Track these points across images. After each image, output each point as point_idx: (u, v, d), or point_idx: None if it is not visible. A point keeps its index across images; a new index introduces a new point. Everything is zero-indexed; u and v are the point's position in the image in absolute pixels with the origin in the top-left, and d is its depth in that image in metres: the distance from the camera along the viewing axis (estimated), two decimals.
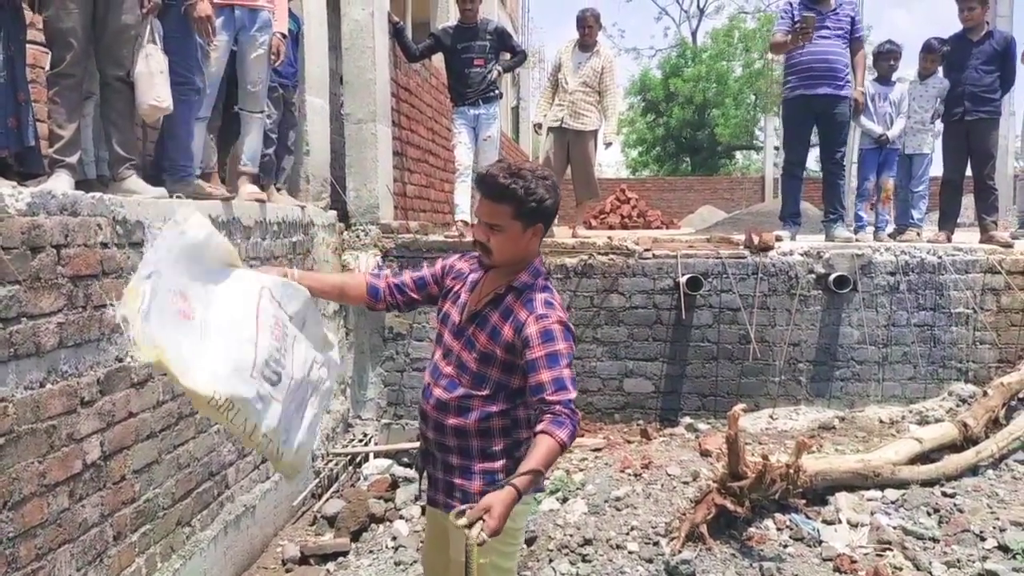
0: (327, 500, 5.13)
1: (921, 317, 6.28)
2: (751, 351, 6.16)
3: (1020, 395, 5.65)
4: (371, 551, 4.47)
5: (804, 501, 4.46)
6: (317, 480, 5.36)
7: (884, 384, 6.30)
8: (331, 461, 5.63)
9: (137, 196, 3.52)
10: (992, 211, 7.09)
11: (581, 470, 5.05)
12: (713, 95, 30.91)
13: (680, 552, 4.01)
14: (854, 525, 4.33)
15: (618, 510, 4.46)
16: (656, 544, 4.13)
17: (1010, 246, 6.54)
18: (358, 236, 6.39)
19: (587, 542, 4.18)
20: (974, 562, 3.93)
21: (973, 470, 4.93)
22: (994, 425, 5.30)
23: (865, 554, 4.07)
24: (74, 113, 3.60)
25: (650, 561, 3.99)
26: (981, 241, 6.84)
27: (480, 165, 7.11)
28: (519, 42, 8.35)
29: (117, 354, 3.09)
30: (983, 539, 4.12)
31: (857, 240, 6.88)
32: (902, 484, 4.69)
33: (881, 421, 5.87)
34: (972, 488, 4.71)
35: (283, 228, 4.93)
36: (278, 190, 5.44)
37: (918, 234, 7.39)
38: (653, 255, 6.31)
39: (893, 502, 4.54)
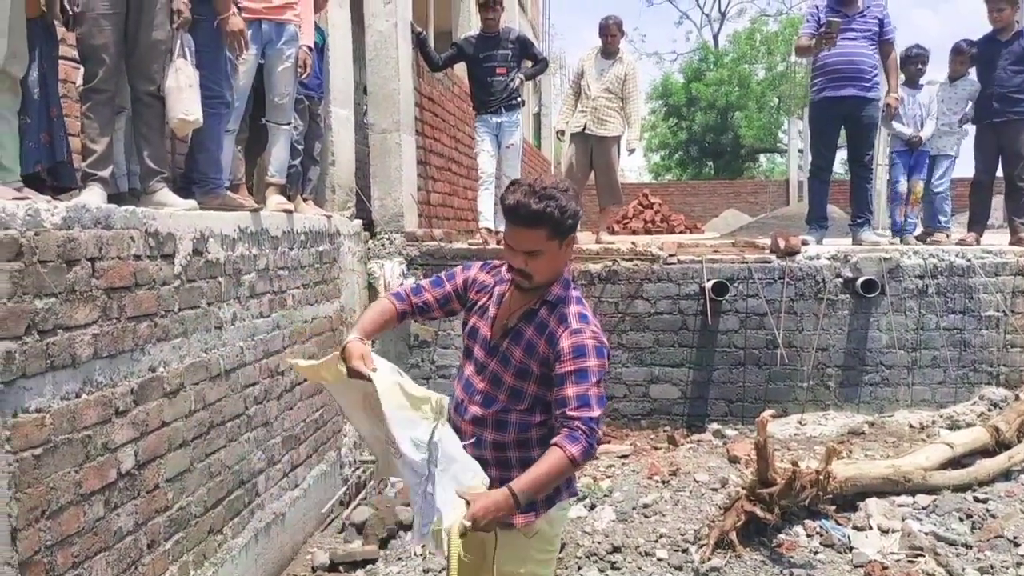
0: (355, 508, 5.16)
1: (951, 320, 6.21)
2: (779, 356, 6.13)
3: None
4: (399, 559, 4.49)
5: (834, 507, 4.42)
6: (345, 488, 5.40)
7: (914, 389, 6.24)
8: (359, 468, 5.67)
9: (168, 208, 3.57)
10: (1022, 212, 7.00)
11: (608, 477, 5.04)
12: (736, 98, 30.75)
13: (709, 559, 3.99)
14: (885, 531, 4.28)
15: (646, 517, 4.45)
16: (685, 551, 4.12)
17: None
18: (383, 244, 6.44)
19: (616, 549, 4.17)
20: (1008, 568, 3.88)
21: (1006, 475, 4.86)
22: None
23: (897, 560, 4.03)
24: (106, 127, 3.66)
25: (679, 568, 3.98)
26: (1011, 243, 6.77)
27: (503, 172, 7.15)
28: (540, 49, 8.37)
29: (150, 364, 3.14)
30: (1017, 545, 4.07)
31: (889, 243, 6.83)
32: (933, 490, 4.63)
33: (911, 426, 5.82)
34: (1005, 493, 4.64)
35: (310, 238, 4.98)
36: (304, 200, 5.49)
37: (947, 236, 7.32)
38: (678, 260, 6.29)
39: (924, 508, 4.49)
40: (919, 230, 7.58)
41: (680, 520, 4.37)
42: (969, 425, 5.49)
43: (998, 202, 8.57)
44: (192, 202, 3.86)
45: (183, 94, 3.75)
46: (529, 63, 7.40)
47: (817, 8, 6.82)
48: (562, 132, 7.86)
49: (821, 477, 4.21)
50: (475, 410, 2.46)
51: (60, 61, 3.95)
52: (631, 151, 7.80)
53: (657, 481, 4.85)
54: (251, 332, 4.08)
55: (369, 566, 4.48)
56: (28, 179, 3.47)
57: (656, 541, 4.21)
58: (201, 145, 4.19)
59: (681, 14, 49.02)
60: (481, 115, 7.10)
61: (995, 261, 6.25)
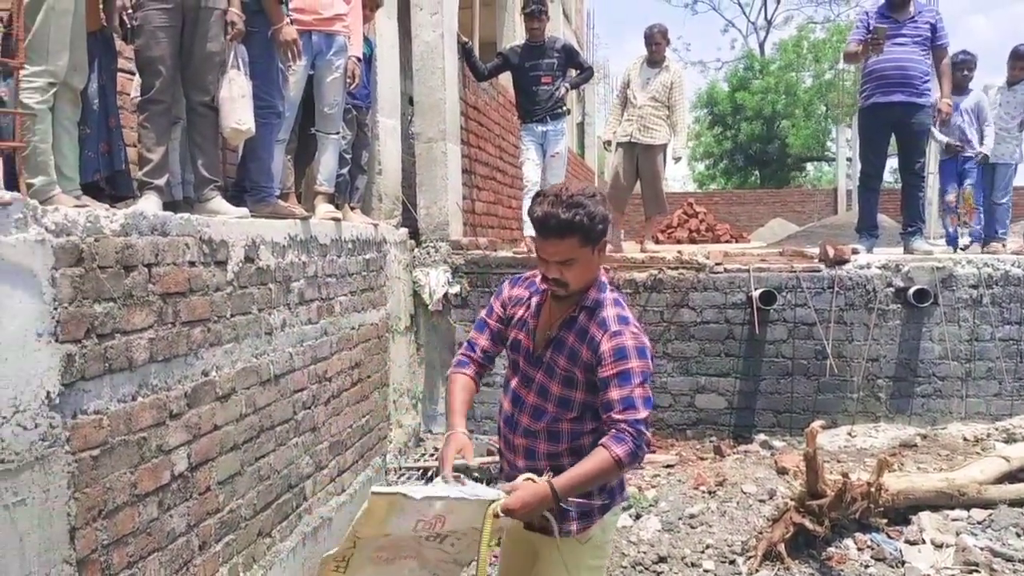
0: None
1: (1006, 331, 6.06)
2: (828, 367, 6.04)
3: None
4: None
5: (886, 521, 4.34)
6: None
7: (968, 401, 6.10)
8: (403, 475, 5.70)
9: (221, 216, 3.64)
10: None
11: (653, 487, 5.00)
12: (782, 107, 30.41)
13: (757, 571, 3.94)
14: (938, 546, 4.19)
15: (692, 527, 4.41)
16: (732, 563, 4.07)
17: None
18: (428, 253, 6.48)
19: (661, 559, 4.14)
20: None
21: None
22: None
23: (951, 575, 3.94)
24: (163, 137, 3.75)
25: None
26: None
27: (547, 181, 7.16)
28: (585, 58, 8.38)
29: (203, 368, 3.20)
30: None
31: (942, 252, 6.70)
32: (988, 504, 4.52)
33: (965, 439, 5.68)
34: None
35: (357, 246, 5.04)
36: (352, 209, 5.56)
37: (1003, 246, 7.15)
38: (724, 269, 6.24)
39: (979, 522, 4.38)
40: (964, 240, 7.40)
41: (727, 531, 4.32)
42: None
43: None
44: (244, 210, 3.94)
45: (236, 104, 3.83)
46: (574, 72, 7.41)
47: (867, 14, 6.74)
48: (609, 142, 7.85)
49: (872, 489, 4.14)
50: (526, 422, 2.46)
51: (118, 73, 4.07)
52: (677, 159, 7.74)
53: (703, 491, 4.81)
54: (300, 338, 4.14)
55: None
56: (87, 188, 3.58)
57: (703, 552, 4.17)
58: (253, 154, 4.27)
59: (727, 22, 48.66)
60: (526, 124, 7.12)
61: None
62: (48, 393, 2.35)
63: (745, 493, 4.73)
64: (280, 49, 4.18)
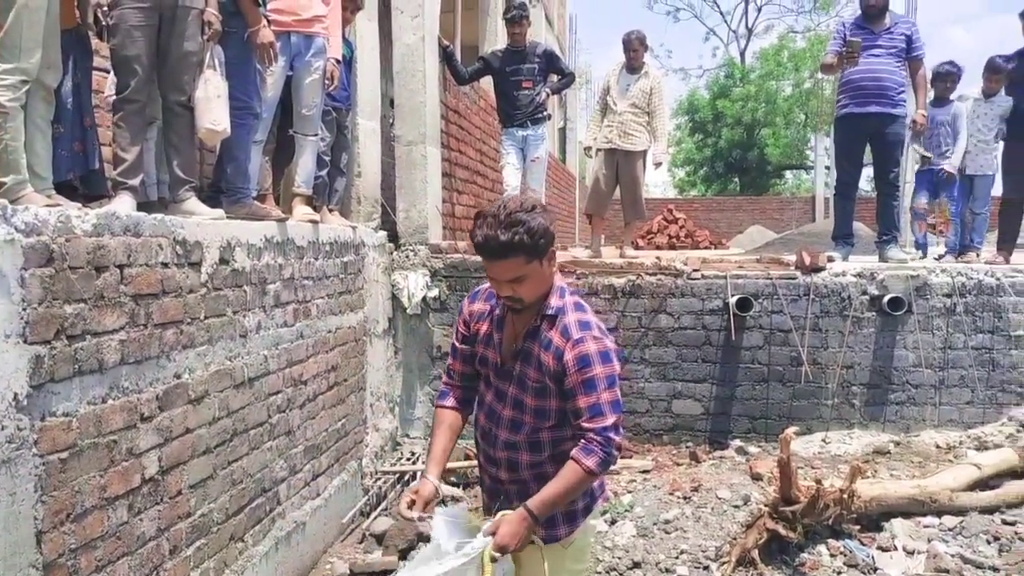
0: (375, 518, 5.16)
1: (979, 340, 6.13)
2: (803, 373, 6.08)
3: None
4: None
5: (858, 527, 4.37)
6: (366, 498, 5.40)
7: (941, 408, 6.15)
8: (379, 479, 5.68)
9: (196, 217, 3.61)
10: None
11: (629, 492, 5.01)
12: (763, 115, 30.65)
13: None
14: (910, 552, 4.22)
15: (667, 533, 4.42)
16: (706, 568, 4.08)
17: None
18: (407, 256, 6.47)
19: (636, 565, 4.15)
20: None
21: None
22: None
23: None
24: (137, 137, 3.71)
25: None
26: None
27: (528, 186, 7.17)
28: (567, 63, 8.40)
29: (175, 370, 3.17)
30: None
31: (912, 260, 6.76)
32: (960, 511, 4.57)
33: (938, 446, 5.74)
34: None
35: (335, 248, 5.01)
36: (331, 211, 5.53)
37: (977, 255, 7.24)
38: (702, 275, 6.27)
39: (951, 529, 4.43)
40: (939, 250, 7.48)
41: (701, 537, 4.33)
42: (997, 446, 5.41)
43: None
44: (219, 211, 3.91)
45: (212, 104, 3.80)
46: (555, 77, 7.42)
47: (844, 25, 6.81)
48: (589, 149, 7.87)
49: (845, 496, 4.16)
50: (506, 436, 2.45)
51: (93, 72, 4.03)
52: (657, 165, 7.79)
53: (679, 497, 4.82)
54: (275, 341, 4.11)
55: None
56: (60, 187, 3.53)
57: (677, 557, 4.18)
58: (229, 155, 4.24)
59: (708, 30, 48.86)
60: (507, 128, 7.13)
61: None
62: (16, 395, 2.32)
63: (720, 499, 4.75)
64: (257, 52, 4.16)
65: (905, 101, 6.76)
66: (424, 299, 6.36)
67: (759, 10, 37.46)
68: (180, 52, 3.75)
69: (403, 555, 4.70)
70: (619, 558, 4.20)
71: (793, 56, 32.23)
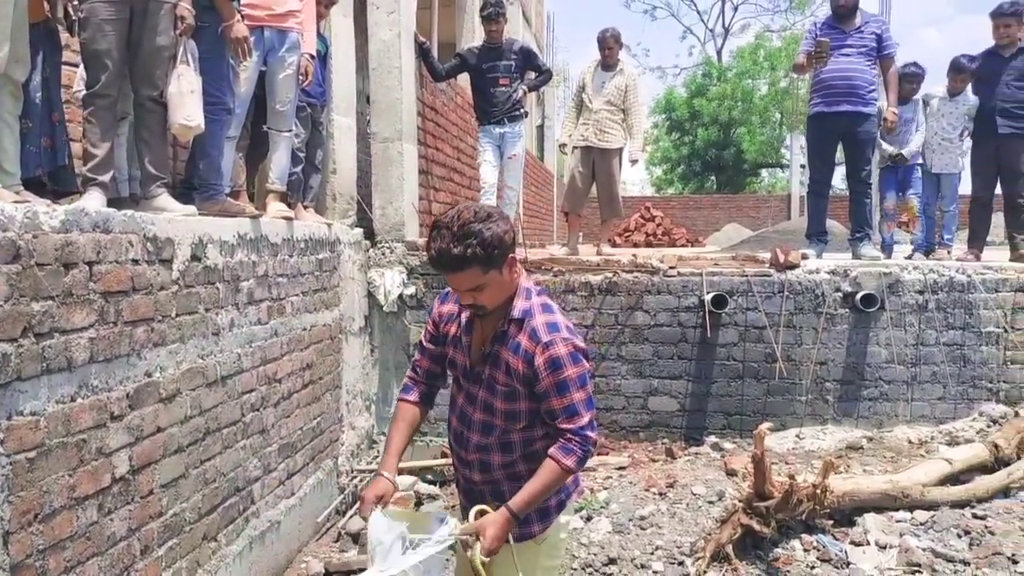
0: (351, 517, 5.14)
1: (950, 336, 6.20)
2: (777, 370, 6.12)
3: None
4: None
5: (831, 522, 4.41)
6: (341, 497, 5.38)
7: (913, 404, 6.22)
8: (355, 478, 5.65)
9: (167, 214, 3.57)
10: (1022, 229, 7.00)
11: (605, 488, 5.02)
12: (739, 113, 30.85)
13: (705, 572, 3.98)
14: (883, 547, 4.27)
15: (643, 529, 4.43)
16: (681, 564, 4.10)
17: None
18: (384, 253, 6.44)
19: (611, 561, 4.15)
20: None
21: (1004, 492, 4.83)
22: None
23: None
24: (108, 133, 3.67)
25: None
26: (1011, 259, 6.77)
27: (505, 183, 7.16)
28: (544, 61, 8.40)
29: (146, 369, 3.14)
30: (1015, 562, 4.05)
31: (897, 257, 6.83)
32: (932, 506, 4.62)
33: (910, 442, 5.80)
34: (1003, 510, 4.62)
35: (310, 245, 4.98)
36: (305, 208, 5.49)
37: (948, 253, 7.32)
38: (678, 273, 6.30)
39: (922, 524, 4.48)
40: (906, 249, 7.56)
41: (677, 533, 4.35)
42: (968, 441, 5.47)
43: (998, 219, 8.55)
44: (191, 208, 3.87)
45: (185, 100, 3.76)
46: (532, 74, 7.41)
47: (816, 25, 6.88)
48: (564, 146, 7.88)
49: (818, 491, 4.20)
50: (477, 439, 2.46)
51: (63, 66, 3.97)
52: (634, 162, 7.81)
53: (654, 493, 4.84)
54: (249, 339, 4.08)
55: None
56: (29, 183, 3.48)
57: (652, 553, 4.20)
58: (202, 151, 4.20)
59: (685, 29, 49.20)
60: (484, 126, 7.12)
61: (995, 277, 6.24)
62: None
63: (695, 495, 4.77)
64: (231, 46, 4.12)
65: (876, 100, 6.83)
66: (401, 297, 6.34)
67: (735, 9, 37.72)
68: (152, 46, 3.71)
69: None
70: (595, 554, 4.20)
71: (769, 55, 32.49)
